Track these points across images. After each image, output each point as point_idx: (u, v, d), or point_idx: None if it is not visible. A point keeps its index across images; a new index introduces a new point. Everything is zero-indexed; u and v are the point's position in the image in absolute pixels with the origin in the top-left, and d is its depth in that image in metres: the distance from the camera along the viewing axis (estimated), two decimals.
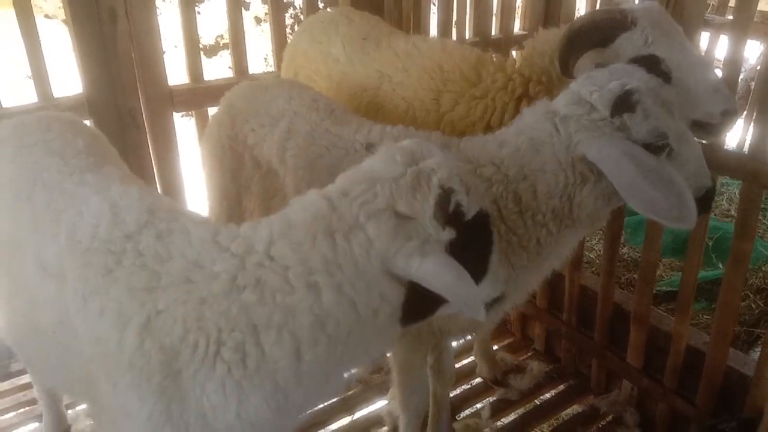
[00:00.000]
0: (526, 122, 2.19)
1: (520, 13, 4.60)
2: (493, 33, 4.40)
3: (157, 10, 3.68)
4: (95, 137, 2.44)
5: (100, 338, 1.69)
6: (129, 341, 1.62)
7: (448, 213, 1.61)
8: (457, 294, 1.58)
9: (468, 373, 3.79)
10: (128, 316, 1.64)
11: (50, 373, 2.16)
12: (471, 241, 1.66)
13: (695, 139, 2.15)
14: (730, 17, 4.70)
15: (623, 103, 1.97)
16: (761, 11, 6.02)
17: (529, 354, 4.02)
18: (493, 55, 3.01)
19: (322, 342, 1.57)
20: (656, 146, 1.97)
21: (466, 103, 2.83)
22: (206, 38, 5.66)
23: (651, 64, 2.36)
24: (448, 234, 1.59)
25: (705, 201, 2.13)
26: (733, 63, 2.78)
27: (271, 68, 4.37)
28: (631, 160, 1.91)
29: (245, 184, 2.78)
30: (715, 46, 5.85)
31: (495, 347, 3.98)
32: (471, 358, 3.85)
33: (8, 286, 2.11)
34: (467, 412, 3.55)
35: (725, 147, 2.91)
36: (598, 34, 2.55)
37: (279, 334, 1.56)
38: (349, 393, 3.60)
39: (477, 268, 1.69)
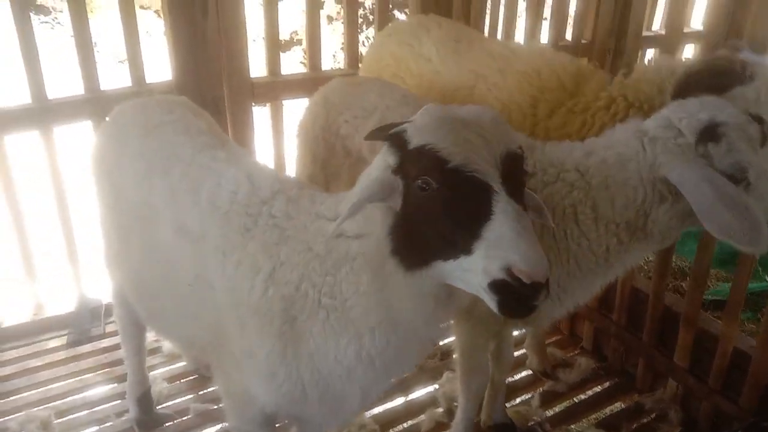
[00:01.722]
0: (617, 137, 2.43)
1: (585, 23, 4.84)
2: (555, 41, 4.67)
3: None
4: (209, 119, 2.78)
5: (235, 288, 2.05)
6: (257, 289, 2.00)
7: (389, 132, 1.77)
8: (350, 202, 1.78)
9: (518, 364, 4.05)
10: (259, 267, 2.01)
11: (179, 325, 2.50)
12: (409, 171, 1.69)
13: None
14: None
15: (709, 133, 2.17)
16: None
17: (577, 351, 4.27)
18: (595, 69, 3.16)
19: (366, 272, 1.87)
20: (735, 179, 2.15)
21: (564, 115, 3.03)
22: (281, 34, 6.04)
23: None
24: (389, 153, 1.76)
25: None
26: None
27: (339, 65, 4.68)
28: (710, 185, 2.10)
29: (335, 172, 3.11)
30: None
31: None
32: (522, 351, 4.12)
33: (141, 250, 2.45)
34: (518, 400, 3.82)
35: None
36: (715, 81, 2.64)
37: (346, 268, 1.90)
38: (404, 376, 3.88)
39: (418, 212, 1.70)
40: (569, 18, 4.65)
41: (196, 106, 2.86)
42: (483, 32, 4.49)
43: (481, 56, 3.44)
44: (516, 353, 4.12)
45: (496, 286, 1.54)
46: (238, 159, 2.34)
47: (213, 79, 3.97)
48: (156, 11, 5.87)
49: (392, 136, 1.75)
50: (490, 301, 1.58)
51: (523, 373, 4.04)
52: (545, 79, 3.11)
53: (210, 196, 2.19)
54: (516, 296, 1.53)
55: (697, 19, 5.34)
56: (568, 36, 4.67)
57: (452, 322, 2.92)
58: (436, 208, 1.65)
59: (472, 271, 1.60)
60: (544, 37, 4.70)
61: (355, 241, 1.89)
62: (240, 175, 2.21)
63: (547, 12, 4.78)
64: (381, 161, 1.79)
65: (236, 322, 2.08)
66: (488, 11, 4.48)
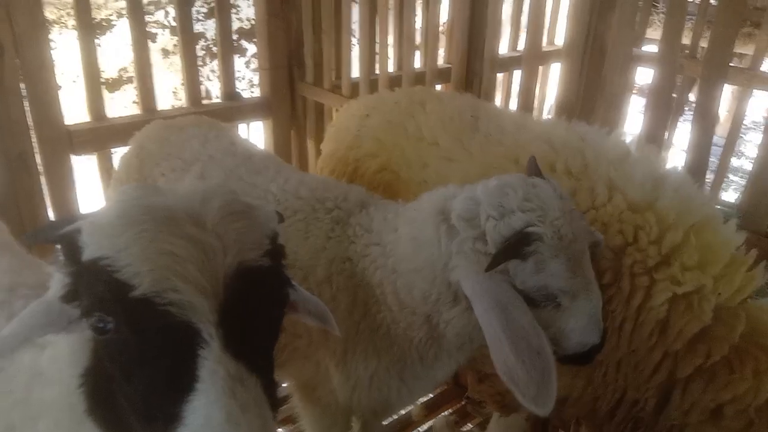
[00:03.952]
0: (420, 213, 1.95)
1: (444, 46, 4.68)
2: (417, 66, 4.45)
3: (52, 43, 3.51)
4: None
5: None
6: None
7: (59, 233, 1.19)
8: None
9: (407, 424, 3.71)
10: None
11: None
12: (83, 299, 1.16)
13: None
14: (647, 48, 4.97)
15: (514, 249, 1.69)
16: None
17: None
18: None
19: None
20: (540, 302, 1.76)
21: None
22: (108, 71, 5.43)
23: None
24: (60, 267, 1.21)
25: (586, 356, 1.91)
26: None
27: (181, 102, 4.22)
28: (501, 313, 1.67)
29: None
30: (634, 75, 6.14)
31: None
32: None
33: None
34: None
35: None
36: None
37: (45, 421, 1.37)
38: None
39: (104, 363, 1.18)
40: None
41: None
42: (336, 62, 4.18)
43: (524, 137, 2.48)
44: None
45: None
46: None
47: (17, 131, 3.39)
48: None
49: (62, 240, 1.17)
50: None
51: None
52: (645, 226, 2.08)
53: None
54: None
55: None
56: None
57: (300, 406, 2.50)
58: (118, 363, 1.12)
59: None
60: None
61: (54, 387, 1.32)
62: None
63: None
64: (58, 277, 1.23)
65: None
66: (356, 30, 4.16)
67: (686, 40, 6.16)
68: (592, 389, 2.25)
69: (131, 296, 1.06)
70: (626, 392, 2.19)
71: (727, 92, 5.47)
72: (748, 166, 8.38)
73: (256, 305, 1.16)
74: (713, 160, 7.14)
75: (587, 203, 2.16)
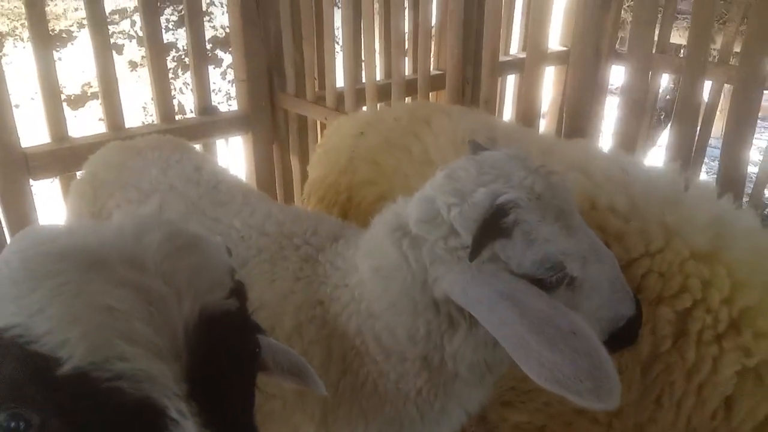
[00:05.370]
0: (374, 240, 1.69)
1: (433, 52, 4.42)
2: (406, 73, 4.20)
3: (5, 57, 3.21)
4: None
5: None
6: None
7: None
8: None
9: None
10: None
11: None
12: None
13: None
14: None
15: (492, 228, 1.44)
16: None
17: None
18: None
19: None
20: (549, 282, 1.49)
21: None
22: (70, 87, 5.07)
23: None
24: None
25: (627, 333, 1.65)
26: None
27: (152, 119, 3.92)
28: (511, 304, 1.40)
29: None
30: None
31: None
32: None
33: None
34: None
35: None
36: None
37: None
38: None
39: None
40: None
41: None
42: (319, 72, 3.91)
43: (553, 165, 1.94)
44: None
45: None
46: None
47: None
48: None
49: None
50: None
51: None
52: None
53: None
54: None
55: (554, 38, 5.10)
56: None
57: None
58: None
59: None
60: None
61: None
62: None
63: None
64: None
65: None
66: (339, 36, 3.91)
67: (681, 39, 5.99)
68: None
69: (59, 374, 0.77)
70: None
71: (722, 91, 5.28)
72: (749, 168, 8.24)
73: (231, 363, 0.92)
74: (707, 161, 7.01)
75: (639, 249, 1.86)
